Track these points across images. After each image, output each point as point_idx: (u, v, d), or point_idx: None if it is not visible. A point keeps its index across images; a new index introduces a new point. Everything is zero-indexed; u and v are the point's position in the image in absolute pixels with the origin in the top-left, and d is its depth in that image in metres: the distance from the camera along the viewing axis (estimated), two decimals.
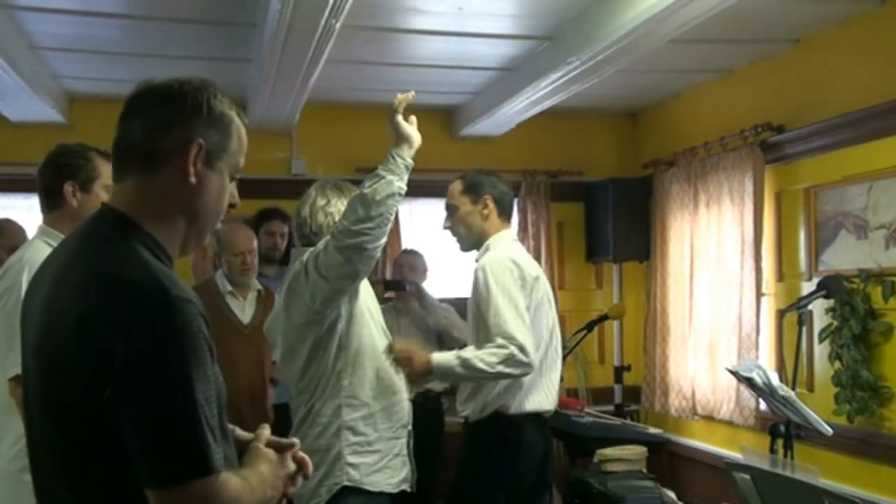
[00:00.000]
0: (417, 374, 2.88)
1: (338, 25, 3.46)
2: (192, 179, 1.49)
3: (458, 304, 4.33)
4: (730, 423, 4.77)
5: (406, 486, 2.83)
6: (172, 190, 1.50)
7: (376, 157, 5.39)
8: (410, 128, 2.72)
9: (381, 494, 2.74)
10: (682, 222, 5.28)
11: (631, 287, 5.98)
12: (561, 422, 4.24)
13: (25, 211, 4.90)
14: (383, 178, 2.61)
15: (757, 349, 4.51)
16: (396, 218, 4.30)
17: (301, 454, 1.64)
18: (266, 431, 1.63)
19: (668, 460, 5.26)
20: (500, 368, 2.94)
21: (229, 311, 4.21)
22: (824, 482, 2.34)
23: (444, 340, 4.66)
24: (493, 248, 3.24)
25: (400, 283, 4.74)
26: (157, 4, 3.88)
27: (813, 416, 3.13)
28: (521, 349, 2.95)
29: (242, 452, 1.57)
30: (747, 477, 2.56)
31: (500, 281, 3.06)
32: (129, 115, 1.53)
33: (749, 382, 3.25)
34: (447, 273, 5.41)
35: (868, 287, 3.88)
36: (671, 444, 5.08)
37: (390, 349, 2.81)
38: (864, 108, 3.92)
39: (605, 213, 5.66)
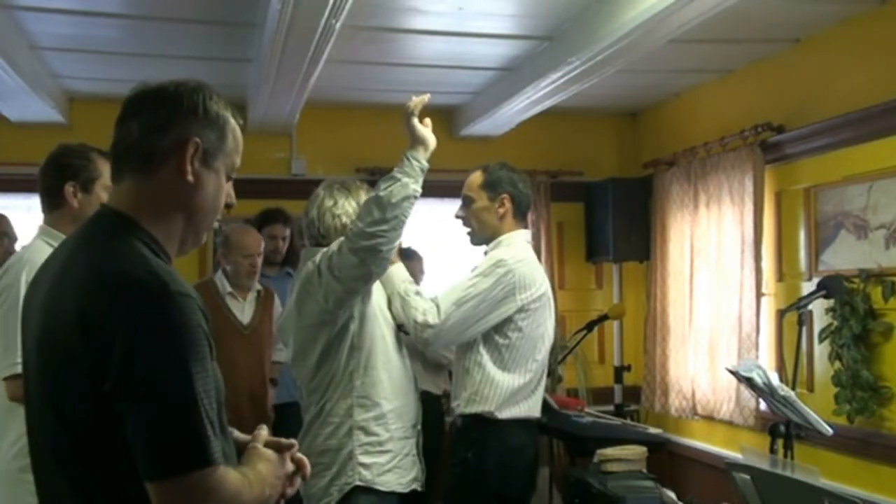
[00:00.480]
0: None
1: (338, 25, 3.46)
2: (190, 178, 1.51)
3: None
4: (730, 423, 4.77)
5: (416, 486, 2.83)
6: (170, 188, 1.51)
7: (376, 157, 5.52)
8: (426, 130, 2.70)
9: (391, 494, 2.74)
10: (682, 222, 5.28)
11: (631, 287, 5.98)
12: (561, 422, 4.23)
13: (25, 211, 4.90)
14: (399, 180, 2.59)
15: (757, 349, 4.51)
16: None
17: (299, 455, 1.64)
18: (264, 432, 1.63)
19: (668, 460, 5.26)
20: (414, 316, 2.87)
21: (229, 312, 4.22)
22: (824, 482, 2.34)
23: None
24: (507, 245, 3.14)
25: None
26: (157, 4, 3.88)
27: (813, 416, 3.13)
28: (435, 329, 2.88)
29: (241, 453, 1.57)
30: (747, 477, 2.56)
31: (488, 276, 3.00)
32: (126, 117, 1.55)
33: (749, 382, 3.25)
34: (446, 273, 5.41)
35: (868, 287, 3.88)
36: (671, 444, 5.07)
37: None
38: (864, 108, 3.92)
39: (605, 213, 5.66)
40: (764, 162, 4.58)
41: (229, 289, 4.27)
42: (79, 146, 2.69)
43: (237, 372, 3.90)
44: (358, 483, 2.69)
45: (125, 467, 1.36)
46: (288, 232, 4.81)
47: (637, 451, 3.80)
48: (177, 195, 1.52)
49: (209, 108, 1.56)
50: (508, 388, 3.04)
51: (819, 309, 4.06)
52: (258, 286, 4.36)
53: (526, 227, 3.34)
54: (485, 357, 3.05)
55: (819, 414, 3.20)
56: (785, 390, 3.15)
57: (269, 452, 1.58)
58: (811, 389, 4.19)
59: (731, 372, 3.45)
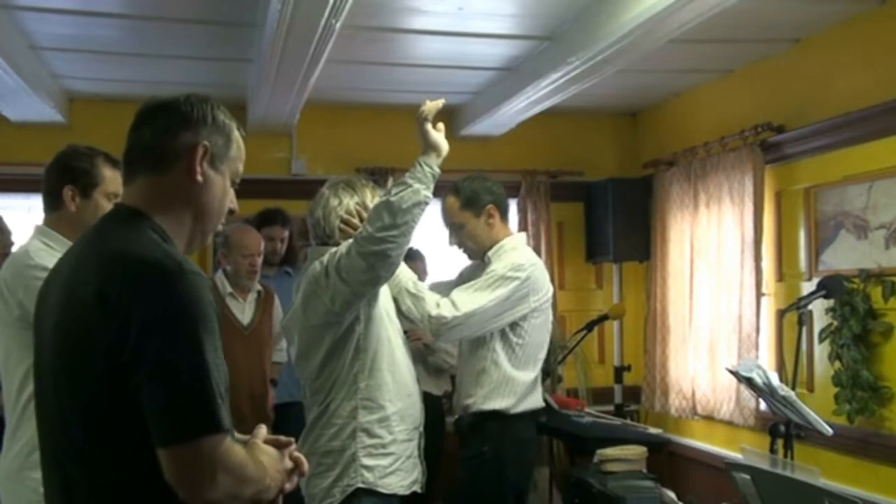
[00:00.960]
0: None
1: (338, 25, 3.46)
2: (199, 178, 1.63)
3: None
4: (730, 423, 4.77)
5: (417, 488, 2.83)
6: (180, 188, 1.63)
7: (376, 157, 5.52)
8: (439, 136, 2.69)
9: (393, 496, 2.74)
10: (682, 222, 5.28)
11: (631, 287, 5.98)
12: (561, 422, 4.23)
13: (25, 211, 4.90)
14: (410, 186, 2.58)
15: (757, 349, 4.51)
16: None
17: (297, 454, 1.71)
18: (263, 430, 1.69)
19: (668, 460, 5.25)
20: (429, 310, 2.95)
21: (229, 312, 4.22)
22: (824, 482, 2.34)
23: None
24: (515, 250, 3.26)
25: None
26: (157, 4, 3.88)
27: (813, 416, 3.13)
28: (450, 322, 2.97)
29: None
30: (747, 477, 2.56)
31: (508, 279, 3.10)
32: (138, 125, 1.66)
33: (749, 382, 3.25)
34: (448, 273, 5.40)
35: (868, 287, 3.88)
36: (671, 444, 5.07)
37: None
38: (864, 108, 3.92)
39: (605, 213, 5.66)
40: (764, 162, 4.58)
41: (230, 289, 4.27)
42: (86, 149, 2.66)
43: (237, 372, 3.88)
44: (360, 485, 2.69)
45: (137, 442, 1.44)
46: (286, 233, 4.81)
47: (637, 451, 3.80)
48: (186, 194, 1.64)
49: (217, 117, 1.67)
50: (523, 385, 3.21)
51: (819, 309, 4.06)
52: (258, 286, 4.36)
53: (520, 229, 3.42)
54: (501, 356, 3.18)
55: (819, 414, 3.21)
56: (785, 390, 3.15)
57: (269, 448, 1.65)
58: (811, 389, 4.19)
59: (731, 372, 3.45)
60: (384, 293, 2.82)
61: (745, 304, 4.58)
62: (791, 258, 4.48)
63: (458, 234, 3.33)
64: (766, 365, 3.94)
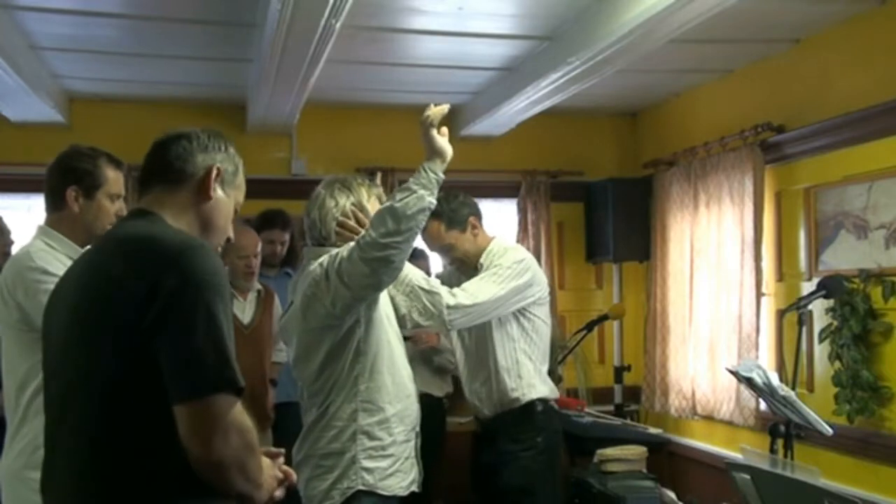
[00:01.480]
0: None
1: (338, 25, 3.46)
2: (212, 194, 1.83)
3: None
4: (730, 423, 4.77)
5: (415, 487, 2.83)
6: (193, 201, 1.82)
7: (376, 157, 5.52)
8: (443, 141, 2.67)
9: (392, 498, 2.74)
10: (682, 222, 5.28)
11: (631, 287, 5.98)
12: (561, 422, 4.23)
13: (25, 211, 4.90)
14: (415, 192, 2.56)
15: (757, 349, 4.51)
16: None
17: (286, 467, 1.83)
18: None
19: (668, 460, 5.25)
20: (446, 301, 3.00)
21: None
22: (824, 482, 2.34)
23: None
24: (508, 248, 3.37)
25: None
26: (157, 4, 3.88)
27: (813, 416, 3.13)
28: (465, 311, 3.05)
29: None
30: (747, 477, 2.56)
31: (516, 272, 3.21)
32: (159, 147, 1.85)
33: (749, 382, 3.25)
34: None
35: (868, 287, 3.88)
36: (671, 444, 5.08)
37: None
38: (864, 108, 3.92)
39: (605, 213, 5.66)
40: (764, 162, 4.58)
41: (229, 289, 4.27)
42: (89, 150, 2.66)
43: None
44: (361, 487, 2.68)
45: (153, 412, 1.56)
46: (286, 236, 4.80)
47: (637, 451, 3.81)
48: (197, 208, 1.83)
49: (229, 149, 1.90)
50: (544, 373, 3.37)
51: (819, 309, 4.06)
52: (258, 286, 4.36)
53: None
54: (526, 346, 3.33)
55: (819, 414, 3.21)
56: (785, 390, 3.15)
57: (261, 455, 1.74)
58: (811, 389, 4.19)
59: (731, 372, 3.45)
60: (384, 296, 2.82)
61: (745, 304, 4.58)
62: (791, 258, 4.48)
63: (451, 253, 3.39)
64: (766, 365, 3.94)
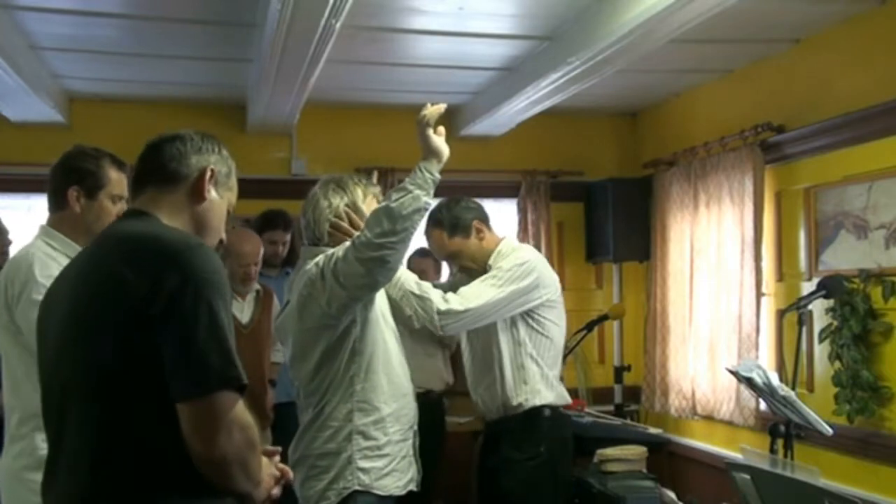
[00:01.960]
0: None
1: (338, 25, 3.46)
2: (206, 195, 1.84)
3: None
4: (730, 423, 4.77)
5: (413, 487, 2.82)
6: (187, 203, 1.83)
7: (376, 157, 5.52)
8: (440, 141, 2.66)
9: (389, 498, 2.73)
10: (682, 222, 5.28)
11: (631, 287, 5.98)
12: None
13: (25, 211, 4.90)
14: (411, 192, 2.55)
15: (757, 349, 4.51)
16: None
17: (282, 465, 1.84)
18: None
19: (668, 460, 5.25)
20: (437, 306, 2.98)
21: None
22: (824, 482, 2.34)
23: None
24: (515, 249, 3.30)
25: None
26: (157, 4, 3.88)
27: (813, 416, 3.13)
28: (457, 316, 3.01)
29: None
30: (747, 477, 2.56)
31: (515, 275, 3.15)
32: (154, 147, 1.86)
33: (749, 382, 3.25)
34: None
35: (868, 287, 3.88)
36: (671, 444, 5.08)
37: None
38: (864, 108, 3.92)
39: (605, 213, 5.66)
40: (764, 162, 4.58)
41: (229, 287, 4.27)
42: (93, 150, 2.66)
43: None
44: (357, 487, 2.68)
45: (154, 408, 1.56)
46: (288, 237, 4.81)
47: (637, 451, 3.80)
48: (191, 209, 1.83)
49: (222, 150, 1.91)
50: (555, 378, 3.29)
51: (819, 309, 4.06)
52: (257, 286, 4.36)
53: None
54: (533, 350, 3.25)
55: (819, 414, 3.21)
56: (785, 390, 3.15)
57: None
58: (811, 389, 4.19)
59: (731, 372, 3.45)
60: (380, 296, 2.81)
61: (745, 304, 4.58)
62: (791, 258, 4.48)
63: (458, 260, 3.35)
64: (766, 365, 3.94)
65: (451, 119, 5.73)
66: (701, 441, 5.23)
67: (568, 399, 3.38)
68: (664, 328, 5.42)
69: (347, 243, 2.63)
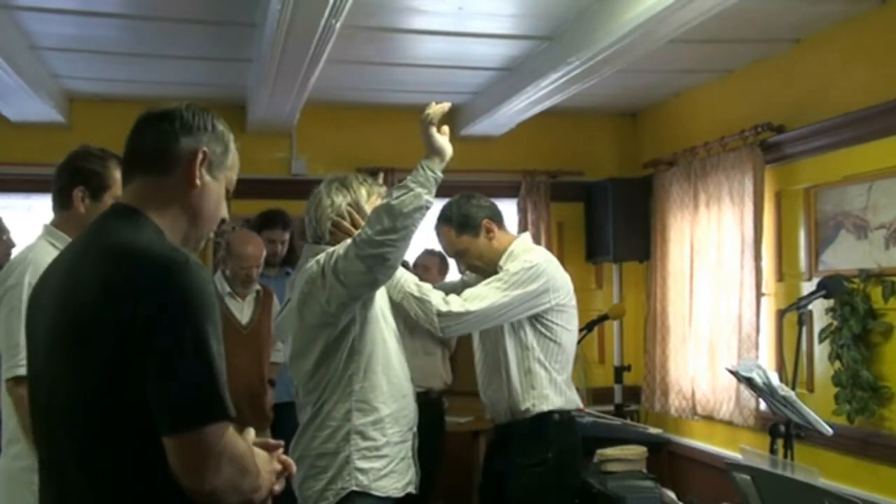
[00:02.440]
0: None
1: (338, 25, 3.46)
2: (198, 182, 1.67)
3: None
4: (730, 423, 4.77)
5: (411, 489, 2.82)
6: (178, 191, 1.67)
7: (376, 157, 5.52)
8: (443, 139, 2.65)
9: (387, 499, 2.72)
10: (682, 222, 5.28)
11: (631, 287, 5.97)
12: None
13: (25, 211, 4.90)
14: (412, 190, 2.54)
15: (757, 349, 4.51)
16: None
17: (284, 456, 1.76)
18: (251, 434, 1.70)
19: (668, 460, 5.26)
20: (437, 308, 2.95)
21: (228, 312, 4.22)
22: (824, 482, 2.34)
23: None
24: (526, 251, 3.23)
25: None
26: (157, 4, 3.88)
27: (813, 416, 3.13)
28: (457, 319, 2.97)
29: None
30: (747, 477, 2.56)
31: (525, 280, 3.08)
32: (140, 128, 1.71)
33: (749, 382, 3.25)
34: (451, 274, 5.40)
35: (868, 287, 3.88)
36: (671, 444, 5.08)
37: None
38: (864, 108, 3.92)
39: (605, 213, 5.66)
40: (764, 162, 4.58)
41: (228, 289, 4.29)
42: (99, 151, 2.66)
43: (236, 372, 3.84)
44: (354, 488, 2.67)
45: (140, 432, 1.47)
46: (287, 236, 4.82)
47: (637, 451, 3.80)
48: (183, 198, 1.67)
49: (216, 126, 1.72)
50: (563, 382, 3.24)
51: (819, 309, 4.06)
52: (257, 286, 4.37)
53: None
54: (541, 355, 3.20)
55: (819, 414, 3.20)
56: (785, 390, 3.15)
57: (259, 450, 1.69)
58: (811, 389, 4.19)
59: (731, 372, 3.45)
60: (380, 294, 2.81)
61: (745, 304, 4.58)
62: (791, 258, 4.48)
63: (465, 258, 3.30)
64: (766, 365, 3.94)
65: (451, 119, 5.68)
66: (701, 441, 5.23)
67: (578, 403, 3.32)
68: (664, 328, 5.42)
69: (349, 241, 2.63)
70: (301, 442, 2.74)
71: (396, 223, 2.51)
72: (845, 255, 4.06)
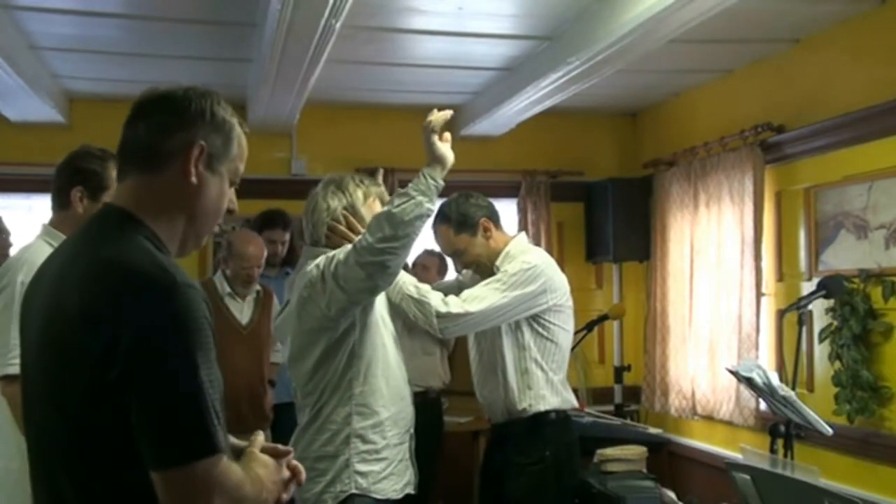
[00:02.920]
0: None
1: (338, 25, 3.46)
2: (193, 179, 1.54)
3: None
4: (730, 423, 4.77)
5: (410, 489, 2.82)
6: (173, 189, 1.54)
7: (376, 157, 5.52)
8: (445, 147, 2.65)
9: (386, 501, 2.72)
10: (682, 222, 5.28)
11: (631, 287, 5.97)
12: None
13: (26, 211, 4.90)
14: (413, 198, 2.53)
15: (757, 349, 4.51)
16: None
17: (295, 462, 1.67)
18: (261, 437, 1.65)
19: (668, 460, 5.25)
20: (436, 309, 2.95)
21: (228, 313, 4.23)
22: (824, 482, 2.34)
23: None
24: (524, 252, 3.24)
25: None
26: (157, 4, 3.88)
27: (813, 416, 3.13)
28: (456, 320, 2.98)
29: (238, 458, 1.56)
30: (747, 477, 2.56)
31: (523, 281, 3.09)
32: (134, 118, 1.57)
33: (749, 382, 3.25)
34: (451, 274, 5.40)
35: (868, 287, 3.88)
36: (671, 444, 5.08)
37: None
38: (864, 108, 3.92)
39: (605, 213, 5.66)
40: (764, 162, 4.58)
41: (228, 289, 4.29)
42: (99, 151, 2.66)
43: (236, 372, 3.90)
44: (354, 491, 2.67)
45: (127, 458, 1.38)
46: (287, 236, 4.82)
47: (637, 451, 3.80)
48: (179, 196, 1.55)
49: (216, 113, 1.59)
50: (560, 382, 3.24)
51: (819, 309, 4.06)
52: (257, 286, 4.37)
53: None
54: (538, 354, 3.20)
55: (819, 414, 3.20)
56: (785, 390, 3.15)
57: (266, 457, 1.60)
58: (811, 389, 4.19)
59: (731, 372, 3.45)
60: (380, 299, 2.81)
61: (745, 304, 4.58)
62: (791, 258, 4.48)
63: (462, 258, 3.31)
64: (766, 365, 3.94)
65: (451, 119, 5.71)
66: (701, 441, 5.23)
67: (574, 403, 3.33)
68: (664, 328, 5.42)
69: (348, 246, 2.62)
70: (300, 444, 2.74)
71: (397, 231, 2.50)
72: (845, 255, 4.06)
